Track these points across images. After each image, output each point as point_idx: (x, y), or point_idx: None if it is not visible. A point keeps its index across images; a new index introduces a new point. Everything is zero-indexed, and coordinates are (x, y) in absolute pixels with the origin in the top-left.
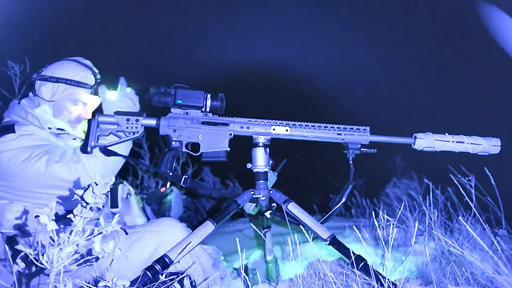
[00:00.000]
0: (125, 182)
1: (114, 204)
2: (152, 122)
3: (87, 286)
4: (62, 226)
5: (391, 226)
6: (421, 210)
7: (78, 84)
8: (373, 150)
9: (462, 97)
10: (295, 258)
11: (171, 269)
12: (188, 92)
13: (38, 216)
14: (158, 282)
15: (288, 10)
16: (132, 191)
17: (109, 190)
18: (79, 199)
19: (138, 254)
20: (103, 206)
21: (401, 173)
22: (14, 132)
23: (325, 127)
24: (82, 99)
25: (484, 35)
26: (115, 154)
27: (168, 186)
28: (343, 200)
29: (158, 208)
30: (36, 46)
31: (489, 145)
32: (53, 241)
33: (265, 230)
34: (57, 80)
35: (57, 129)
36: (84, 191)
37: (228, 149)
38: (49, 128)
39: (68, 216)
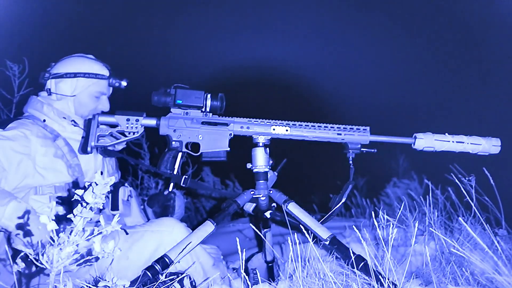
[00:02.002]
0: (126, 184)
1: (114, 207)
2: (152, 122)
3: (87, 286)
4: (62, 226)
5: (391, 226)
6: (421, 210)
7: (96, 76)
8: (373, 150)
9: (462, 97)
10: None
11: (171, 269)
12: (188, 92)
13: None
14: (158, 282)
15: (288, 10)
16: (133, 193)
17: (110, 192)
18: (79, 199)
19: (138, 254)
20: (103, 208)
21: (401, 173)
22: (3, 129)
23: (325, 127)
24: (103, 91)
25: (485, 35)
26: (115, 154)
27: (170, 189)
28: (343, 200)
29: (160, 211)
30: (35, 46)
31: (489, 145)
32: (53, 241)
33: (265, 230)
34: (75, 75)
35: (72, 120)
36: (84, 191)
37: (228, 149)
38: (64, 118)
39: (68, 216)
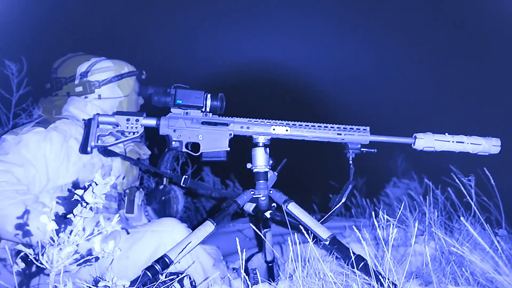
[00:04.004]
0: (141, 189)
1: (130, 210)
2: (152, 122)
3: (87, 286)
4: (62, 226)
5: (391, 226)
6: (421, 210)
7: (134, 73)
8: (373, 150)
9: (462, 97)
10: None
11: (171, 269)
12: (188, 92)
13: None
14: (158, 282)
15: (288, 10)
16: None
17: (126, 194)
18: (79, 199)
19: (139, 254)
20: (119, 209)
21: (401, 173)
22: (46, 128)
23: (325, 127)
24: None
25: (484, 34)
26: (115, 154)
27: (165, 182)
28: (343, 200)
29: (158, 207)
30: (33, 45)
31: (489, 145)
32: (53, 241)
33: (265, 230)
34: (121, 76)
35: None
36: (84, 191)
37: (228, 149)
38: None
39: (68, 216)
